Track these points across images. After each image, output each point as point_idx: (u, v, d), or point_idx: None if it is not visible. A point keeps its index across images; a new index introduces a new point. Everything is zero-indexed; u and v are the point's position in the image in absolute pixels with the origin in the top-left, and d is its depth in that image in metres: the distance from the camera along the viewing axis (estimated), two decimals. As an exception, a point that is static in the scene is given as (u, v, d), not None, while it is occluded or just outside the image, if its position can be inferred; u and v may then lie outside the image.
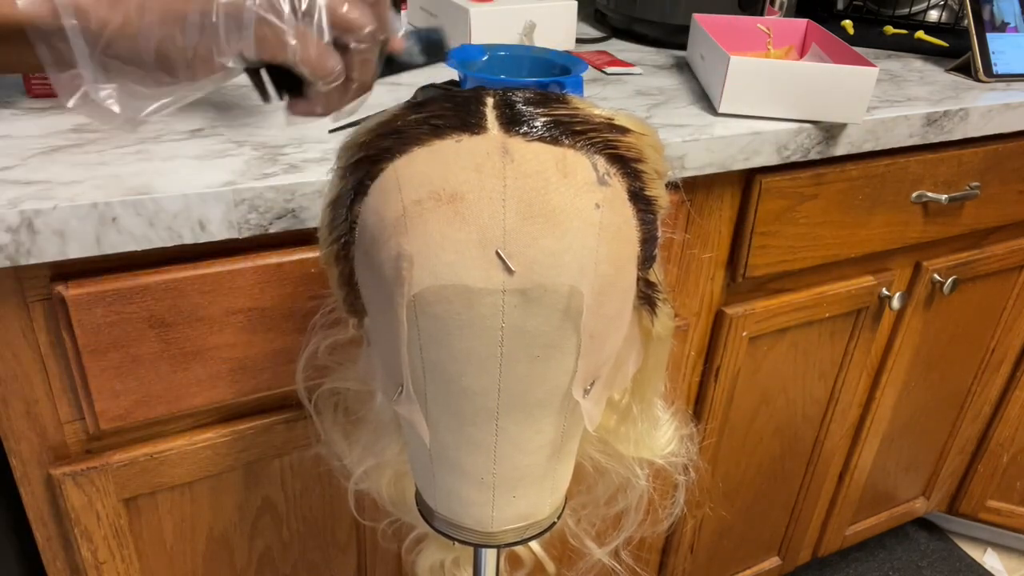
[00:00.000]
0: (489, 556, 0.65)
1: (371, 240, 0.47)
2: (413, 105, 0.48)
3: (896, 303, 1.12)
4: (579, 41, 1.15)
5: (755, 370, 1.10)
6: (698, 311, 1.00)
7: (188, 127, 0.73)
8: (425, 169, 0.45)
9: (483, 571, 0.65)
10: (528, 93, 0.47)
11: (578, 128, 0.46)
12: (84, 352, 0.65)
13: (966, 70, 1.12)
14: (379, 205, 0.46)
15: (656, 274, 0.52)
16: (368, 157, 0.47)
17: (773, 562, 1.41)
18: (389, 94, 0.88)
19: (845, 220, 1.01)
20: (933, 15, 1.25)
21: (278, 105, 0.83)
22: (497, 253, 0.43)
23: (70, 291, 0.62)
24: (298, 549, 0.87)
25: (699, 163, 0.83)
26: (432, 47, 0.62)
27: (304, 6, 0.45)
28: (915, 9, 1.24)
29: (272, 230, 0.66)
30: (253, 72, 0.51)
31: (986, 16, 1.11)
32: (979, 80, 1.09)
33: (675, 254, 0.93)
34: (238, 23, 0.44)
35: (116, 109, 0.46)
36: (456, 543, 0.58)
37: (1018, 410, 1.45)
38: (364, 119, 0.50)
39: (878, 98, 0.98)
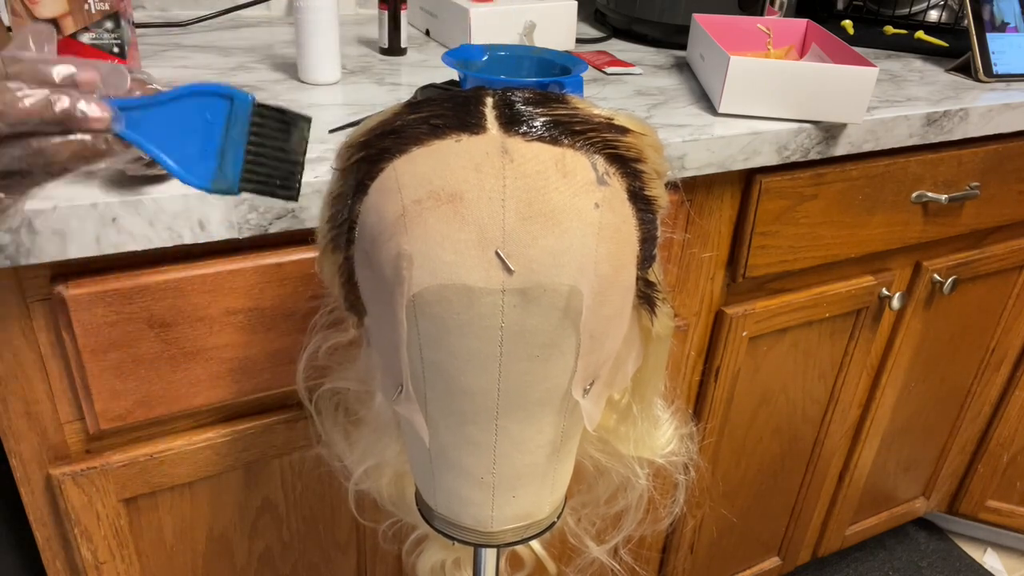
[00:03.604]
0: (489, 556, 0.65)
1: (371, 240, 0.47)
2: (412, 105, 0.48)
3: (896, 303, 1.12)
4: (579, 41, 1.15)
5: (755, 370, 1.10)
6: (698, 311, 1.00)
7: (188, 127, 0.73)
8: (425, 169, 0.45)
9: (483, 571, 0.65)
10: (528, 93, 0.47)
11: (578, 128, 0.46)
12: (84, 352, 0.65)
13: (966, 70, 1.12)
14: (379, 205, 0.46)
15: (656, 274, 0.52)
16: (368, 157, 0.47)
17: (773, 562, 1.41)
18: (389, 94, 0.88)
19: (845, 220, 1.01)
20: (933, 15, 1.25)
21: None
22: (496, 253, 0.43)
23: (70, 291, 0.62)
24: (298, 549, 0.87)
25: (699, 163, 0.83)
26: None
27: None
28: (915, 9, 1.24)
29: (272, 230, 0.66)
30: None
31: (986, 16, 1.11)
32: (979, 80, 1.09)
33: (675, 254, 0.93)
34: None
35: None
36: (456, 543, 0.58)
37: (1018, 410, 1.45)
38: (364, 119, 0.50)
39: (878, 98, 0.98)
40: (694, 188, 0.89)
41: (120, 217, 0.59)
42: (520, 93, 0.47)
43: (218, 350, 0.70)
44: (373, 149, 0.47)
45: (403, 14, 1.00)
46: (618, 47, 1.16)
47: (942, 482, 1.56)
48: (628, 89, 0.96)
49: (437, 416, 0.50)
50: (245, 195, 0.62)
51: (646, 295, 0.52)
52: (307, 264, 0.70)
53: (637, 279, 0.50)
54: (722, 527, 1.27)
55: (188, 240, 0.63)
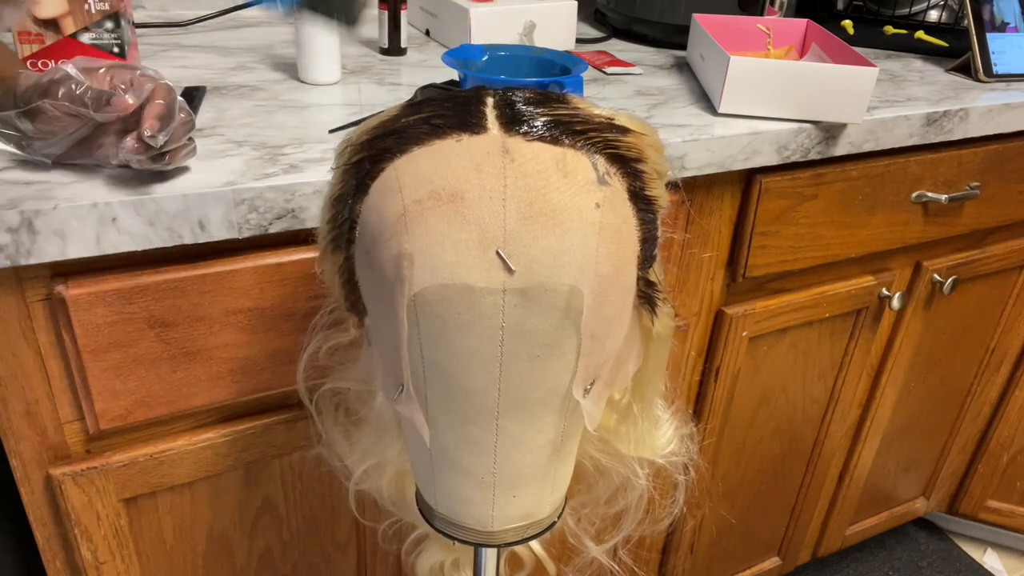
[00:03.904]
0: (489, 556, 0.65)
1: (372, 239, 0.47)
2: (413, 105, 0.48)
3: (896, 303, 1.12)
4: (579, 41, 1.15)
5: (755, 370, 1.10)
6: (698, 311, 1.00)
7: (188, 127, 0.73)
8: (425, 169, 0.45)
9: (483, 571, 0.65)
10: (528, 93, 0.47)
11: (578, 128, 0.46)
12: (84, 352, 0.65)
13: (966, 70, 1.12)
14: (380, 205, 0.46)
15: (656, 274, 0.52)
16: (369, 157, 0.47)
17: (773, 562, 1.41)
18: (389, 94, 0.88)
19: (845, 220, 1.01)
20: (933, 15, 1.25)
21: (279, 104, 0.83)
22: (497, 253, 0.43)
23: (70, 291, 0.62)
24: (298, 549, 0.87)
25: (699, 163, 0.83)
26: None
27: None
28: (915, 9, 1.24)
29: (272, 230, 0.66)
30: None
31: (986, 16, 1.11)
32: (979, 80, 1.09)
33: (675, 254, 0.93)
34: None
35: None
36: (456, 543, 0.58)
37: (1018, 410, 1.45)
38: (364, 119, 0.50)
39: (878, 98, 0.98)
40: (694, 188, 0.89)
41: (120, 217, 0.59)
42: (521, 93, 0.47)
43: (218, 350, 0.70)
44: (374, 149, 0.47)
45: (403, 14, 1.00)
46: (618, 47, 1.16)
47: (942, 482, 1.56)
48: (628, 89, 0.96)
49: (438, 416, 0.50)
50: (245, 194, 0.62)
51: (647, 295, 0.52)
52: (307, 264, 0.70)
53: (638, 279, 0.50)
54: (722, 527, 1.27)
55: (188, 240, 0.63)
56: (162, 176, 0.63)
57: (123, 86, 0.60)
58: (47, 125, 0.59)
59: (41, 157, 0.62)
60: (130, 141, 0.58)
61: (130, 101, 0.58)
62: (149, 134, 0.57)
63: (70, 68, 0.60)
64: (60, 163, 0.63)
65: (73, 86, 0.58)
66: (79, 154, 0.62)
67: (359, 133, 0.49)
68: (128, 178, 0.62)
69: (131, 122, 0.59)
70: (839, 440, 1.30)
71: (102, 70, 0.61)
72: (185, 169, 0.64)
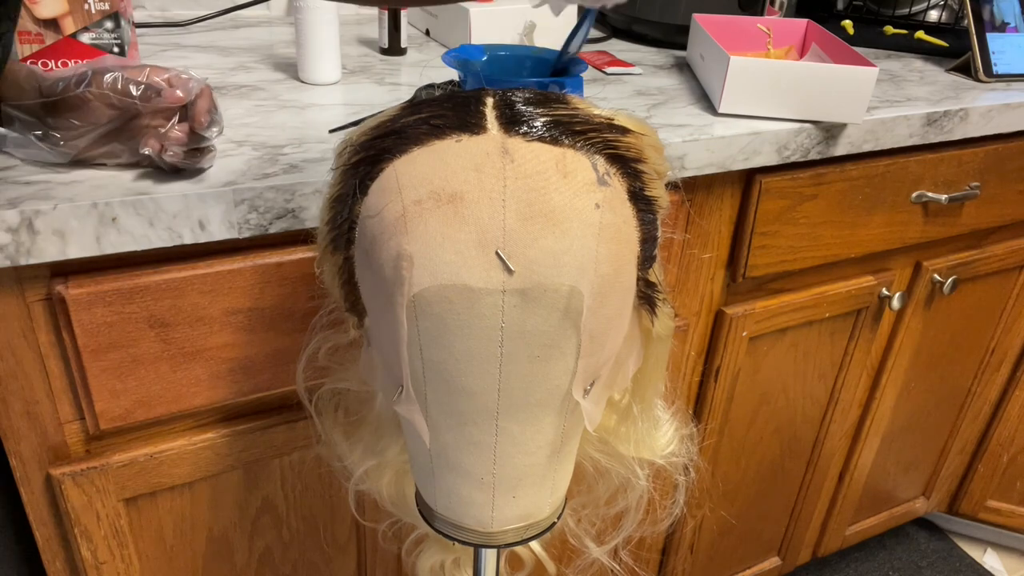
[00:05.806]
0: (489, 556, 0.65)
1: (371, 240, 0.47)
2: (413, 105, 0.48)
3: (896, 303, 1.12)
4: (579, 41, 1.14)
5: (755, 370, 1.10)
6: (698, 311, 1.00)
7: (188, 127, 0.73)
8: (425, 169, 0.45)
9: (483, 571, 0.65)
10: (528, 93, 0.47)
11: (578, 128, 0.46)
12: (84, 352, 0.65)
13: (966, 70, 1.12)
14: (379, 205, 0.46)
15: (656, 274, 0.52)
16: (368, 157, 0.47)
17: (773, 562, 1.41)
18: (389, 94, 0.88)
19: (845, 220, 1.01)
20: (933, 15, 1.25)
21: (279, 104, 0.83)
22: (497, 253, 0.43)
23: (70, 291, 0.62)
24: (298, 549, 0.87)
25: (699, 163, 0.83)
26: None
27: None
28: (915, 9, 1.24)
29: (272, 230, 0.66)
30: None
31: (986, 16, 1.11)
32: (979, 80, 1.09)
33: (675, 254, 0.93)
34: None
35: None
36: (456, 543, 0.58)
37: (1018, 410, 1.45)
38: (364, 119, 0.50)
39: (878, 98, 0.98)
40: (694, 188, 0.89)
41: (120, 217, 0.59)
42: (520, 93, 0.47)
43: (218, 350, 0.70)
44: (373, 149, 0.47)
45: (403, 14, 1.00)
46: (618, 47, 1.16)
47: (942, 482, 1.56)
48: (628, 89, 0.96)
49: (437, 416, 0.50)
50: (245, 194, 0.62)
51: (646, 295, 0.52)
52: (307, 264, 0.70)
53: (637, 279, 0.50)
54: (722, 527, 1.27)
55: (188, 240, 0.63)
56: (164, 175, 0.63)
57: (162, 81, 0.61)
58: (80, 115, 0.60)
59: (63, 150, 0.62)
60: (177, 132, 0.60)
61: (180, 95, 0.60)
62: (203, 128, 0.60)
63: (108, 62, 0.61)
64: (72, 160, 0.63)
65: (115, 77, 0.59)
66: (99, 146, 0.62)
67: (358, 133, 0.49)
68: (128, 178, 0.62)
69: (165, 117, 0.61)
70: (839, 440, 1.30)
71: (137, 67, 0.62)
72: (199, 169, 0.65)
